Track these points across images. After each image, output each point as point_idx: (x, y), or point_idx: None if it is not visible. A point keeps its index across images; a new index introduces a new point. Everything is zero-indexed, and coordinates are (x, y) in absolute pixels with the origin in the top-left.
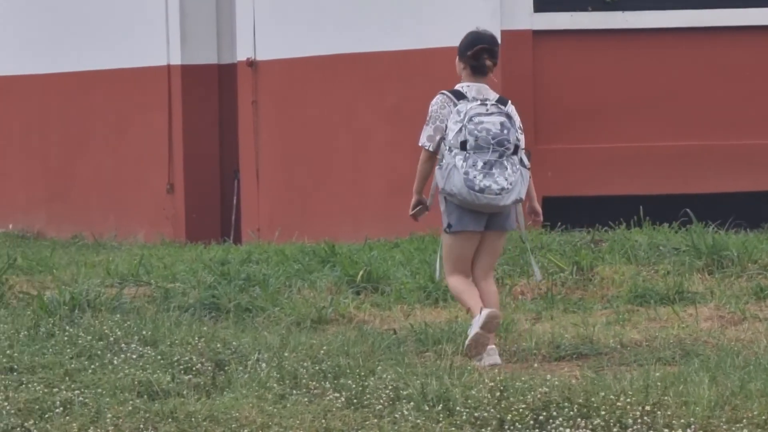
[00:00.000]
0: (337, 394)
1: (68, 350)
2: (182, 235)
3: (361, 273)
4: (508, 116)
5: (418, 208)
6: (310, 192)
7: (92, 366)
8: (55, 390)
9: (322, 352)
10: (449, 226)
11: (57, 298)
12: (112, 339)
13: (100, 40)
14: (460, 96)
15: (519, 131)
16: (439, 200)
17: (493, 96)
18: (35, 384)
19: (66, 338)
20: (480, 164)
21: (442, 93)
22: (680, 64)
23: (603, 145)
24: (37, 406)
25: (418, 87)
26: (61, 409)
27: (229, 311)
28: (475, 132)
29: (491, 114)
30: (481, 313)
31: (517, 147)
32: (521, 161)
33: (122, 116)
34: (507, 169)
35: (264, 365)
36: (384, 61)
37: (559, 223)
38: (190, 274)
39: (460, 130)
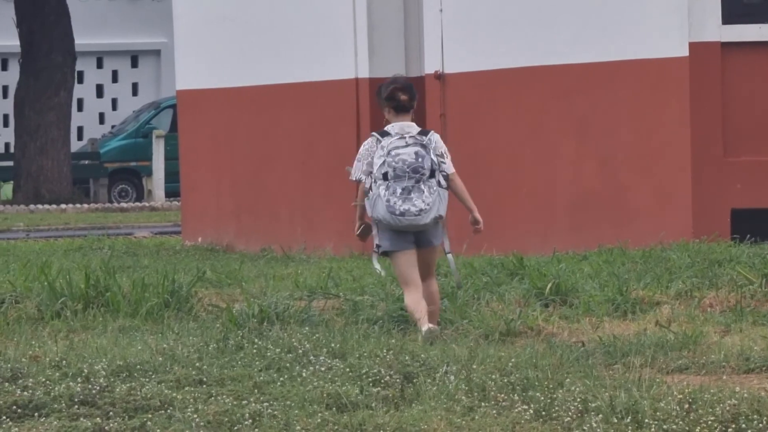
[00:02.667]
0: (525, 407)
1: (257, 363)
2: (370, 248)
3: (549, 285)
4: (424, 146)
5: (362, 227)
6: (498, 204)
7: (281, 378)
8: (244, 402)
9: (510, 364)
10: (379, 248)
11: (246, 311)
12: (300, 351)
13: (287, 54)
14: (385, 135)
15: (438, 157)
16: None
17: (415, 130)
18: (224, 396)
19: (255, 351)
20: (399, 191)
21: (372, 135)
22: None
23: None
24: (226, 419)
25: (604, 99)
26: (250, 421)
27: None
28: (393, 163)
29: (408, 146)
30: (422, 328)
31: (433, 171)
32: (438, 183)
33: (310, 129)
34: (424, 192)
35: (452, 377)
36: (571, 74)
37: (749, 236)
38: (379, 287)
39: (383, 163)
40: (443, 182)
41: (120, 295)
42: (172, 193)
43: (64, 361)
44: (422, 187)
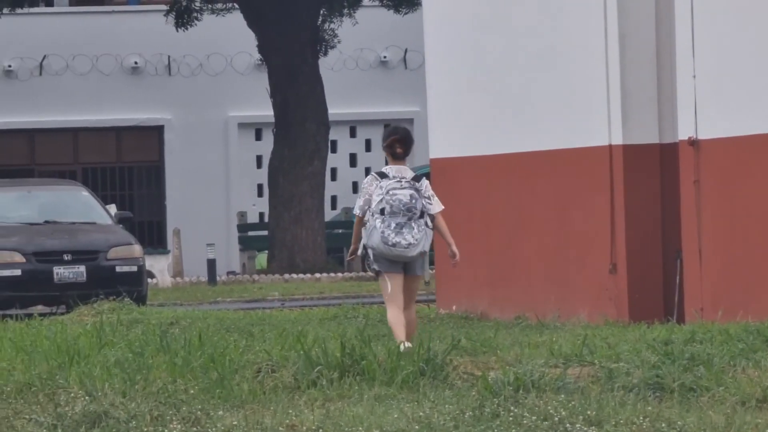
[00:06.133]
0: None
1: (513, 430)
2: (625, 314)
3: None
4: (417, 190)
5: (355, 255)
6: (754, 270)
7: None
8: None
9: None
10: (378, 270)
11: (501, 379)
12: (556, 419)
13: (540, 121)
14: (383, 176)
15: (426, 200)
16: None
17: (409, 175)
18: None
19: (511, 418)
20: (393, 225)
21: (372, 174)
22: None
23: None
24: None
25: None
26: None
27: (673, 391)
28: (391, 201)
29: (404, 188)
30: (401, 347)
31: (422, 212)
32: (426, 223)
33: (563, 196)
34: (414, 229)
35: None
36: None
37: None
38: (634, 354)
39: (381, 200)
40: (430, 223)
41: (375, 364)
42: None
43: (320, 430)
44: (413, 224)
